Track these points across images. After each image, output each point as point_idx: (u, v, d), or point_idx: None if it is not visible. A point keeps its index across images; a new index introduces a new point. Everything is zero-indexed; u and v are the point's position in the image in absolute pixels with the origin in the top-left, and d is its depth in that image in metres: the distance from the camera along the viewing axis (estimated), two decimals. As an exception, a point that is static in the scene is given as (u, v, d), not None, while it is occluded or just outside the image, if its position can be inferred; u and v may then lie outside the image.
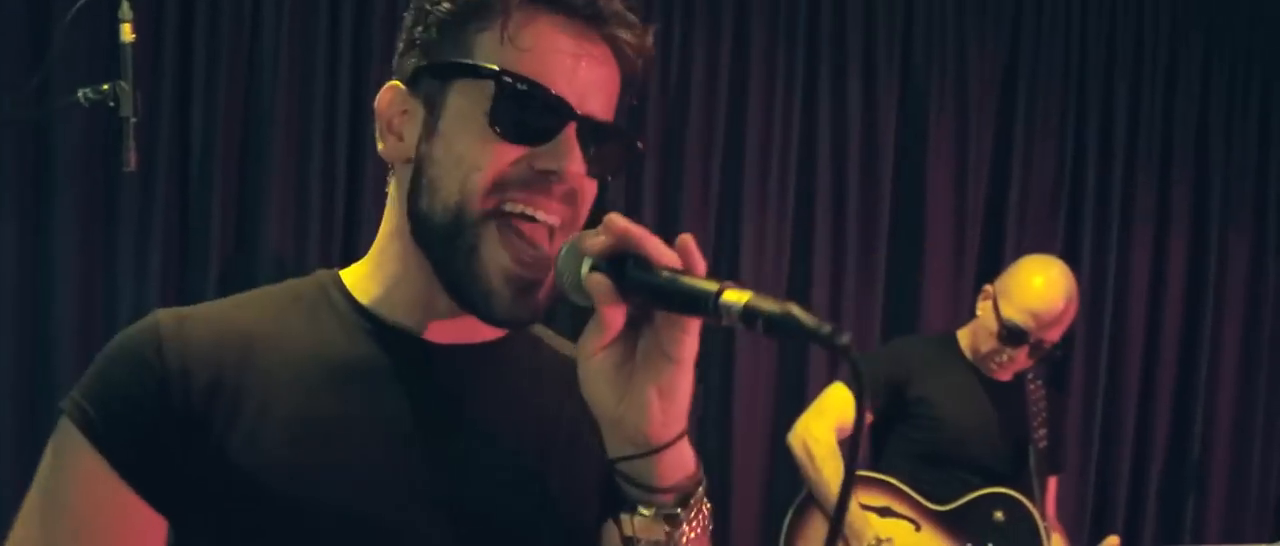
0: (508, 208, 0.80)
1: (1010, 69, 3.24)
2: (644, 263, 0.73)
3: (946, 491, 2.46)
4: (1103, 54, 3.29)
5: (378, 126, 0.87)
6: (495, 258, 0.80)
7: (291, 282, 0.90)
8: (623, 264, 0.74)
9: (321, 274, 0.90)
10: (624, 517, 0.77)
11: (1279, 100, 3.44)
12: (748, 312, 0.68)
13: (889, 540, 2.39)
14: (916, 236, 3.19)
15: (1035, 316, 2.39)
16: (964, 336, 2.57)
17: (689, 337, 0.74)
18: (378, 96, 0.87)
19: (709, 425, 3.07)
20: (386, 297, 0.86)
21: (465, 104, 0.81)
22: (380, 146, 0.87)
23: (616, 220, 0.74)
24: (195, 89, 2.65)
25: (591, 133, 0.82)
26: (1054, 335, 2.42)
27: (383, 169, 2.89)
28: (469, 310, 0.83)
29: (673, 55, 2.98)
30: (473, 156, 0.80)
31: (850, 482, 0.76)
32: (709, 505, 0.79)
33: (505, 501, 0.84)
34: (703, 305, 0.70)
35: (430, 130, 0.83)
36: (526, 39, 0.81)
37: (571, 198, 0.82)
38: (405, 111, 0.85)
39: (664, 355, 0.74)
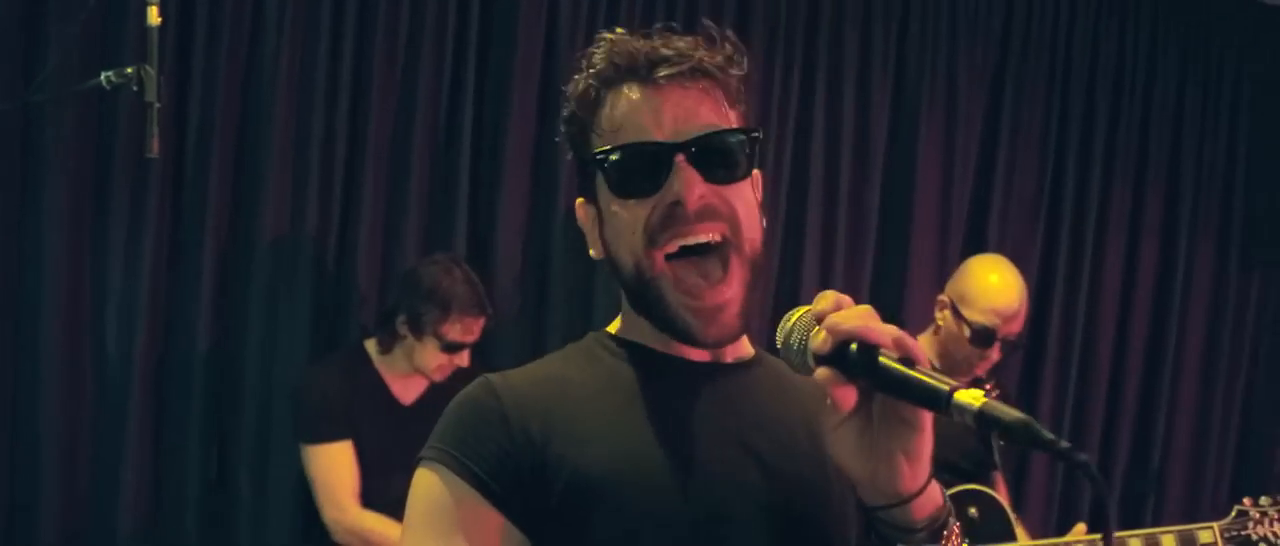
0: (668, 247, 0.94)
1: (997, 77, 3.33)
2: (867, 348, 0.82)
3: None
4: (1086, 66, 3.40)
5: (588, 237, 1.06)
6: (676, 301, 0.95)
7: (572, 345, 1.08)
8: (845, 349, 0.82)
9: (592, 334, 1.08)
10: None
11: (1246, 119, 3.58)
12: (983, 417, 0.75)
13: None
14: (903, 237, 3.26)
15: (999, 314, 2.46)
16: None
17: (921, 408, 0.83)
18: (577, 214, 1.06)
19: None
20: (651, 336, 1.02)
21: (605, 191, 0.99)
22: (591, 252, 1.05)
23: (837, 324, 0.83)
24: (194, 72, 2.60)
25: (703, 150, 0.94)
26: (1017, 327, 2.51)
27: (383, 159, 2.85)
28: (686, 342, 0.98)
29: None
30: (624, 225, 0.97)
31: None
32: (958, 523, 0.90)
33: (804, 496, 0.97)
34: (935, 403, 0.78)
35: (602, 223, 1.01)
36: (614, 121, 0.97)
37: (710, 213, 0.94)
38: (593, 218, 1.03)
39: (902, 421, 0.84)
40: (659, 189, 0.94)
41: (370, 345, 2.57)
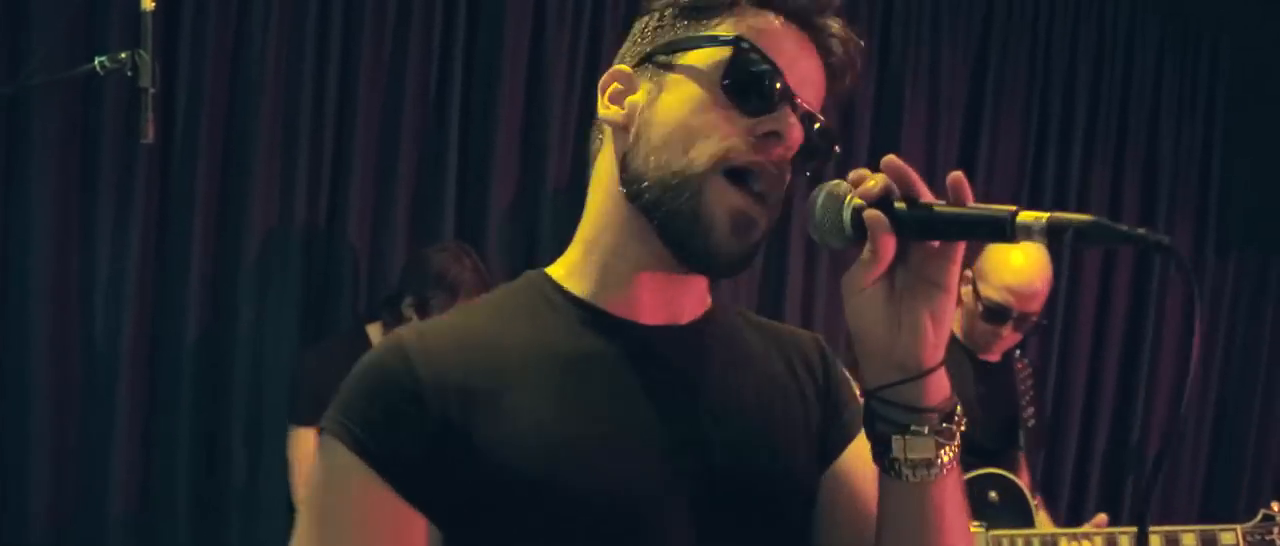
0: (738, 163, 0.85)
1: (980, 61, 3.37)
2: (913, 200, 0.80)
3: None
4: (1066, 49, 3.44)
5: (599, 100, 0.92)
6: (722, 198, 0.85)
7: (505, 288, 0.95)
8: (889, 204, 0.80)
9: (532, 275, 0.95)
10: (895, 439, 0.83)
11: (1222, 104, 3.64)
12: (1053, 226, 0.74)
13: None
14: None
15: (1014, 293, 2.44)
16: (954, 318, 2.64)
17: (955, 267, 0.82)
18: (602, 79, 0.93)
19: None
20: (600, 287, 0.91)
21: (694, 73, 0.87)
22: (601, 113, 0.91)
23: (895, 161, 0.81)
24: (181, 59, 2.58)
25: (805, 120, 0.87)
26: (1035, 307, 2.48)
27: (371, 145, 2.86)
28: (689, 258, 0.87)
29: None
30: (700, 123, 0.86)
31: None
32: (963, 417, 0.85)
33: (746, 466, 0.90)
34: (1000, 229, 0.76)
35: (654, 99, 0.88)
36: (759, 24, 0.88)
37: (783, 168, 0.87)
38: (626, 88, 0.91)
39: (933, 283, 0.81)
40: (761, 114, 0.85)
41: (373, 329, 2.57)
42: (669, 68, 0.89)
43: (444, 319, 0.93)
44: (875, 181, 0.81)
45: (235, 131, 2.66)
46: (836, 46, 0.90)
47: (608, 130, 0.92)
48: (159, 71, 2.48)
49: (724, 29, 0.88)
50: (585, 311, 0.91)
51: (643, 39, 0.93)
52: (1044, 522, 2.59)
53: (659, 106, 0.88)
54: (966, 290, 2.55)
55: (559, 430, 0.85)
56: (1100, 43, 3.47)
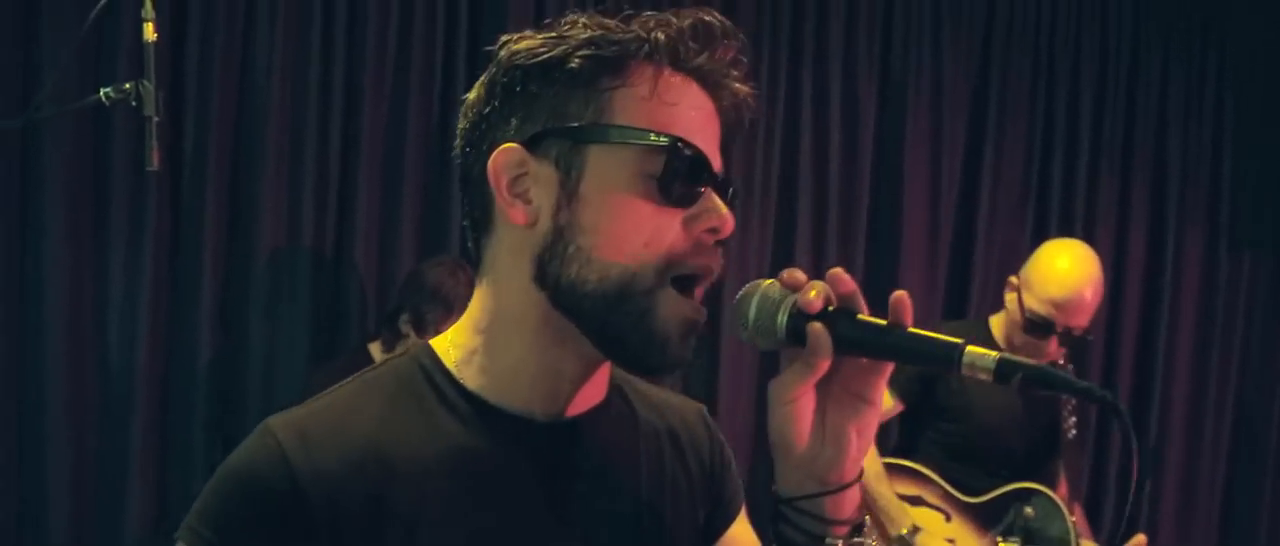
0: (685, 269, 0.81)
1: (982, 67, 3.36)
2: (852, 316, 0.78)
3: (978, 483, 2.45)
4: (1070, 56, 3.44)
5: (497, 190, 0.82)
6: (676, 311, 0.80)
7: (392, 366, 0.87)
8: (830, 316, 0.78)
9: (420, 354, 0.87)
10: None
11: (1232, 105, 3.61)
12: (1003, 367, 0.73)
13: (922, 530, 2.38)
14: (894, 229, 3.30)
15: (1058, 306, 2.30)
16: (996, 325, 2.50)
17: (882, 381, 0.80)
18: (491, 160, 0.82)
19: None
20: (498, 383, 0.84)
21: (614, 167, 0.79)
22: (509, 211, 0.82)
23: (841, 274, 0.78)
24: (188, 85, 2.64)
25: (723, 189, 0.84)
26: (1081, 321, 2.35)
27: (377, 165, 2.89)
28: (629, 365, 0.84)
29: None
30: (640, 226, 0.79)
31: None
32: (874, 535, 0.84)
33: None
34: (947, 359, 0.75)
35: (570, 195, 0.80)
36: (671, 97, 0.81)
37: (719, 259, 0.84)
38: (524, 174, 0.81)
39: (860, 398, 0.80)
40: (692, 203, 0.80)
41: (374, 348, 2.61)
42: (579, 154, 0.80)
43: (324, 407, 0.83)
44: (816, 291, 0.78)
45: (242, 156, 2.71)
46: (734, 98, 0.85)
47: (505, 224, 0.83)
48: (163, 100, 2.55)
49: (631, 112, 0.79)
50: (477, 408, 0.84)
51: (522, 106, 0.82)
52: (1083, 538, 2.51)
53: (580, 207, 0.79)
54: (1011, 297, 2.44)
55: (450, 540, 0.80)
56: (1104, 47, 3.46)
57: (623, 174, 0.79)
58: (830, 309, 0.78)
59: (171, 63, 2.62)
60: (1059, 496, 2.48)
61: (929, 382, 2.48)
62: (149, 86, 1.74)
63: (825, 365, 0.78)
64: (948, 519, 2.47)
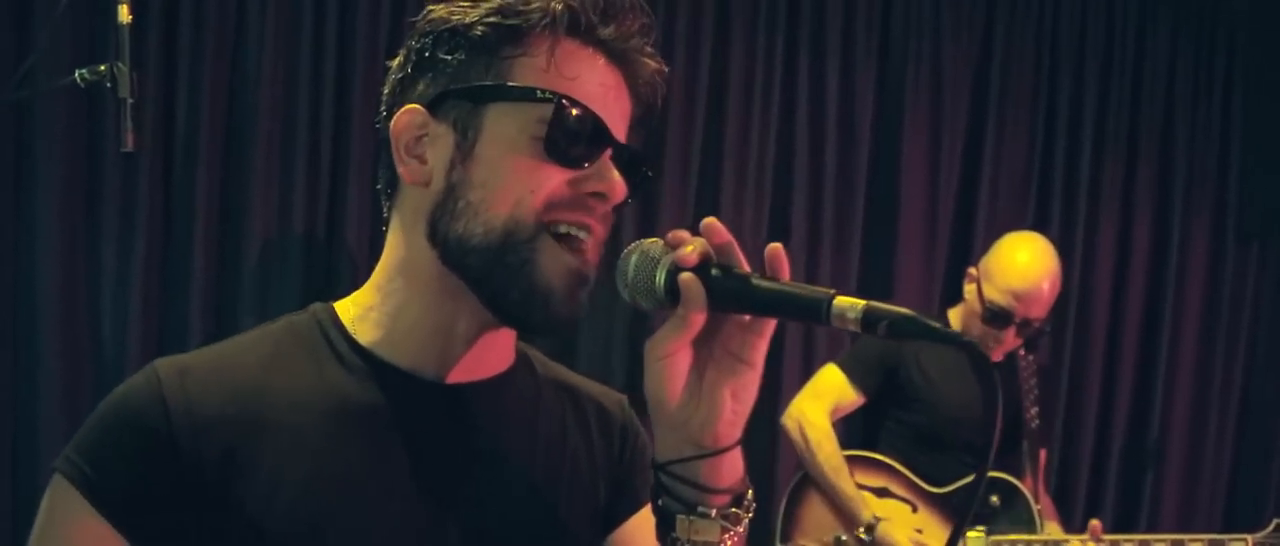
0: (562, 228, 0.82)
1: (984, 53, 3.31)
2: (730, 270, 0.77)
3: (943, 473, 2.48)
4: (1074, 40, 3.37)
5: (394, 150, 0.85)
6: (556, 261, 0.82)
7: (289, 320, 0.89)
8: (706, 271, 0.77)
9: (318, 310, 0.89)
10: (680, 519, 0.79)
11: (1240, 91, 3.55)
12: (869, 315, 0.73)
13: (887, 520, 2.40)
14: (891, 218, 3.26)
15: (1017, 297, 2.37)
16: (954, 317, 2.57)
17: (763, 342, 0.79)
18: (393, 120, 0.85)
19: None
20: (391, 339, 0.85)
21: (507, 127, 0.82)
22: (400, 170, 0.85)
23: (716, 224, 0.78)
24: (180, 70, 2.64)
25: (628, 160, 0.85)
26: (1039, 312, 2.41)
27: (368, 150, 2.90)
28: (515, 322, 0.84)
29: (655, 39, 3.01)
30: (523, 180, 0.81)
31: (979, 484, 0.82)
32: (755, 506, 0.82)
33: (517, 535, 0.86)
34: (816, 310, 0.74)
35: (465, 154, 0.82)
36: (572, 68, 0.83)
37: (608, 217, 0.86)
38: (424, 135, 0.84)
39: (738, 358, 0.78)
40: (583, 166, 0.82)
41: None
42: (476, 116, 0.82)
43: (214, 352, 0.86)
44: (693, 246, 0.78)
45: (233, 143, 2.71)
46: (644, 73, 0.87)
47: (405, 185, 0.86)
48: (160, 84, 2.59)
49: (528, 77, 0.82)
50: (369, 363, 0.85)
51: (430, 69, 0.85)
52: (1051, 527, 2.53)
53: (474, 165, 0.82)
54: (970, 288, 2.50)
55: (317, 489, 0.80)
56: (1110, 31, 3.40)
57: (514, 133, 0.82)
58: (710, 266, 0.77)
59: (164, 49, 2.63)
60: (1025, 485, 2.49)
61: (891, 372, 2.50)
62: (124, 68, 1.73)
63: (699, 319, 0.77)
64: (914, 509, 2.49)
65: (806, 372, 3.00)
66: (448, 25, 0.83)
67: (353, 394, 0.84)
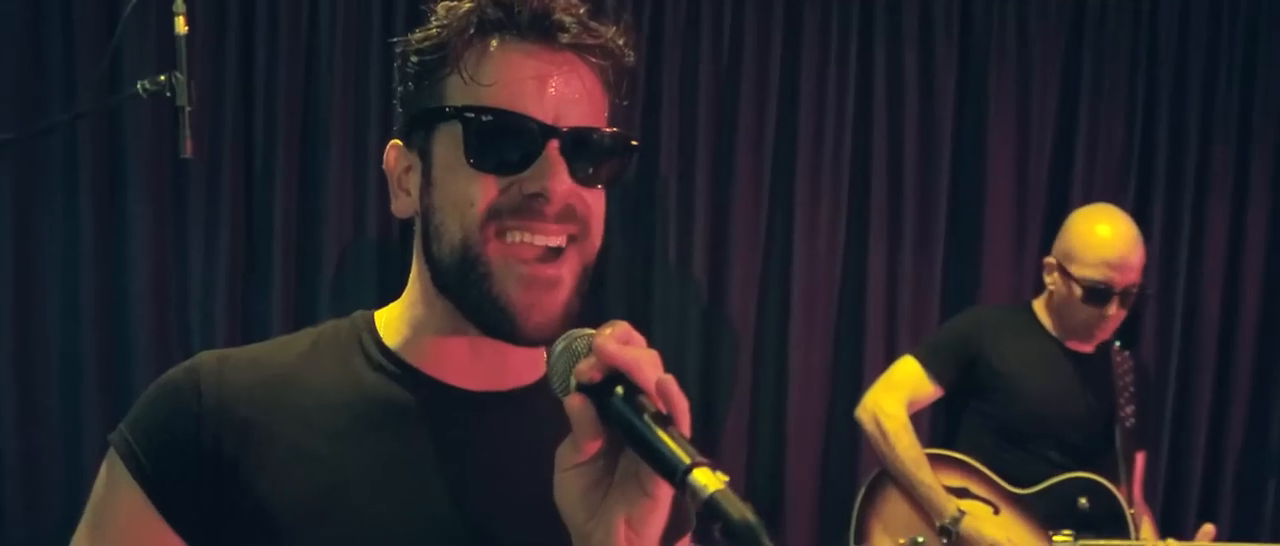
0: (508, 237, 0.82)
1: (1075, 27, 3.11)
2: (632, 393, 0.72)
3: (1028, 473, 2.36)
4: (1176, 8, 3.13)
5: (390, 186, 0.89)
6: (508, 272, 0.82)
7: (334, 323, 0.93)
8: (610, 387, 0.73)
9: (358, 315, 0.93)
10: None
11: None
12: (710, 506, 0.66)
13: (967, 514, 2.30)
14: (976, 208, 3.11)
15: (1111, 266, 2.28)
16: (1040, 307, 2.46)
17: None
18: (384, 156, 0.89)
19: (763, 407, 3.06)
20: (412, 343, 0.88)
21: (448, 147, 0.83)
22: (393, 206, 0.89)
23: (606, 348, 0.73)
24: (257, 82, 2.76)
25: (577, 145, 0.82)
26: (1135, 277, 2.31)
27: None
28: (498, 335, 0.84)
29: (725, 23, 2.96)
30: (465, 194, 0.82)
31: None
32: None
33: (511, 542, 0.86)
34: (670, 474, 0.69)
35: (428, 180, 0.85)
36: (488, 73, 0.82)
37: (568, 215, 0.83)
38: (408, 167, 0.88)
39: (639, 487, 0.74)
40: (521, 170, 0.81)
41: None
42: (428, 141, 0.85)
43: (258, 345, 0.91)
44: (587, 364, 0.74)
45: (308, 149, 2.81)
46: (591, 38, 0.83)
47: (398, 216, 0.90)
48: (238, 95, 2.69)
49: (454, 94, 0.83)
50: (396, 365, 0.88)
51: (401, 102, 0.88)
52: (1147, 533, 2.37)
53: (433, 190, 0.85)
54: (1053, 278, 2.39)
55: (327, 478, 0.83)
56: (1215, 4, 3.15)
57: (452, 152, 0.83)
58: (614, 383, 0.72)
59: (241, 59, 2.75)
60: (1119, 490, 2.35)
61: (969, 363, 2.40)
62: (181, 77, 1.80)
63: (591, 444, 0.75)
64: (996, 511, 2.36)
65: (889, 363, 2.91)
66: (403, 57, 0.87)
67: (375, 391, 0.87)
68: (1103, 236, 2.31)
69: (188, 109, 1.82)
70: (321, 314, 2.81)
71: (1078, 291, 2.30)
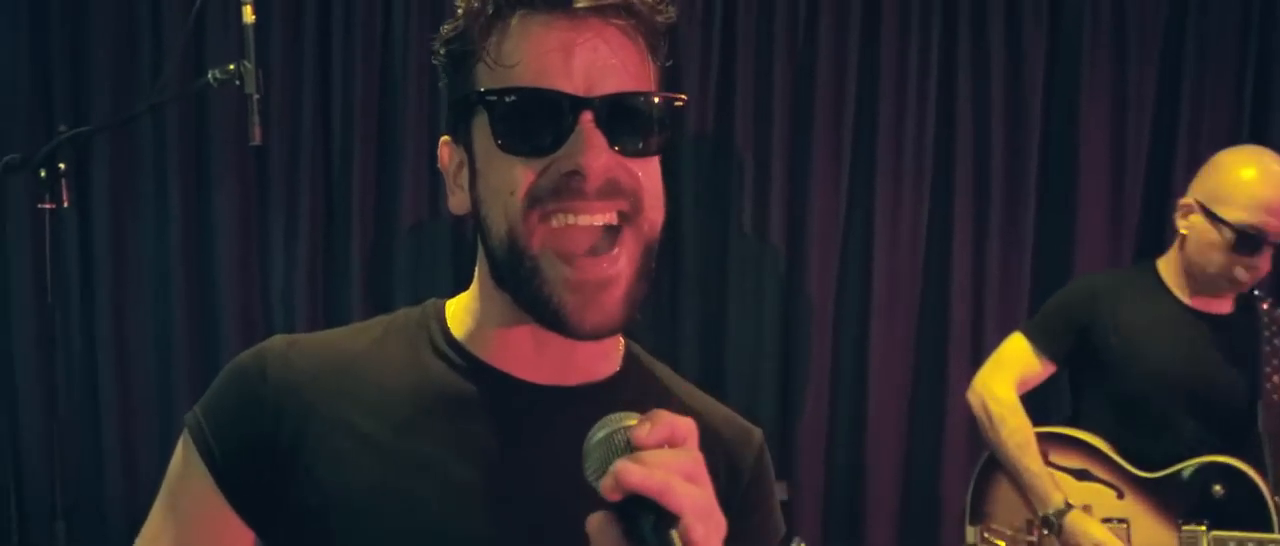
0: (553, 221, 0.79)
1: (1176, 10, 2.92)
2: (664, 525, 0.67)
3: (1156, 454, 2.17)
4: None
5: (446, 184, 0.89)
6: (554, 273, 0.79)
7: (405, 312, 0.93)
8: (641, 506, 0.67)
9: (429, 305, 0.92)
10: None
11: None
12: None
13: (1087, 507, 2.16)
14: (1068, 196, 2.95)
15: (1269, 210, 2.04)
16: (1166, 266, 2.24)
17: None
18: (438, 155, 0.89)
19: (842, 392, 2.98)
20: (477, 335, 0.87)
21: (484, 137, 0.81)
22: (449, 203, 0.88)
23: (629, 479, 0.67)
24: (334, 72, 2.82)
25: (614, 114, 0.79)
26: None
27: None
28: (555, 330, 0.81)
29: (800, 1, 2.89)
30: (505, 182, 0.80)
31: None
32: None
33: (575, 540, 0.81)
34: None
35: (474, 173, 0.84)
36: (510, 53, 0.80)
37: (613, 189, 0.79)
38: (460, 163, 0.86)
39: None
40: (556, 149, 0.78)
41: None
42: (468, 133, 0.83)
43: (330, 331, 0.91)
44: (613, 479, 0.67)
45: (385, 137, 2.87)
46: (623, 5, 0.79)
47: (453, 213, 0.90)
48: (315, 85, 2.75)
49: (483, 81, 0.80)
50: (462, 356, 0.87)
51: (447, 97, 0.87)
52: None
53: (479, 181, 0.83)
54: (1195, 219, 2.13)
55: (385, 466, 0.82)
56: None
57: (487, 140, 0.81)
58: (643, 504, 0.67)
59: (319, 49, 2.82)
60: (1259, 474, 2.12)
61: (1082, 333, 2.22)
62: (249, 66, 1.84)
63: None
64: (1120, 495, 2.19)
65: (975, 350, 2.84)
66: (434, 52, 0.86)
67: (440, 380, 0.86)
68: (1255, 178, 2.07)
69: (256, 97, 1.86)
70: (399, 299, 2.87)
71: (1227, 235, 2.08)
